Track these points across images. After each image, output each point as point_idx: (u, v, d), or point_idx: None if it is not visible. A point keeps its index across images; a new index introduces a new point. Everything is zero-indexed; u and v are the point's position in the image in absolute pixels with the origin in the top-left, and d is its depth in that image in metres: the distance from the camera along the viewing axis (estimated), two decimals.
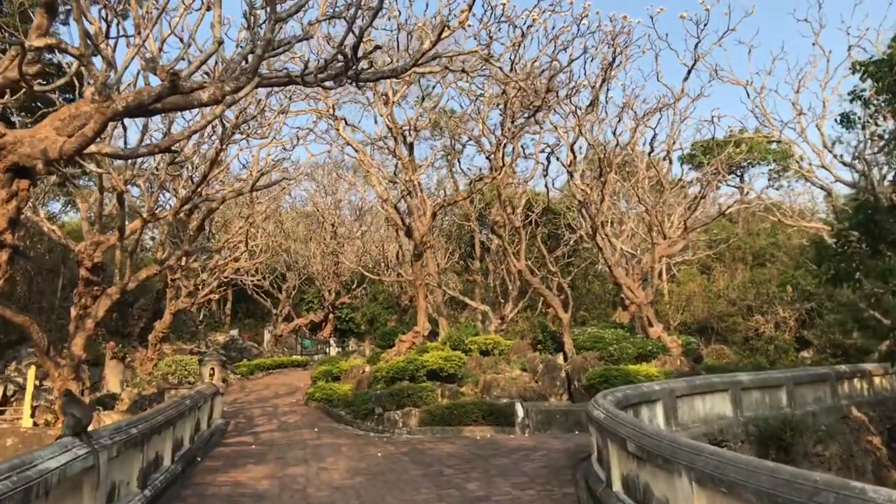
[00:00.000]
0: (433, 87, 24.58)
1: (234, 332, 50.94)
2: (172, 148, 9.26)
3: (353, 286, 53.47)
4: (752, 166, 59.17)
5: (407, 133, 24.24)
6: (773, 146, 61.06)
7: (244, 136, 18.65)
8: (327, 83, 9.56)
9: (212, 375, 20.01)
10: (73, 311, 17.24)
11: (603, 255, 27.20)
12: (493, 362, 25.54)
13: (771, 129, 28.13)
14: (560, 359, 24.69)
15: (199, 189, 16.87)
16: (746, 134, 31.96)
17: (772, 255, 55.42)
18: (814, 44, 27.59)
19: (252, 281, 49.64)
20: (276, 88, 18.66)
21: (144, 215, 15.24)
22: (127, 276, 15.65)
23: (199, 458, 14.80)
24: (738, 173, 63.48)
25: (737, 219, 59.80)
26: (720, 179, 35.32)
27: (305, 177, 45.36)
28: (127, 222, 17.04)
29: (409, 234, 24.40)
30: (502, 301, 36.72)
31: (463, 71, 11.97)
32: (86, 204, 17.26)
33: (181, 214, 18.02)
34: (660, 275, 42.37)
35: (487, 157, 23.72)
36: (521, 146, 26.72)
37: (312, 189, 51.67)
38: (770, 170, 65.74)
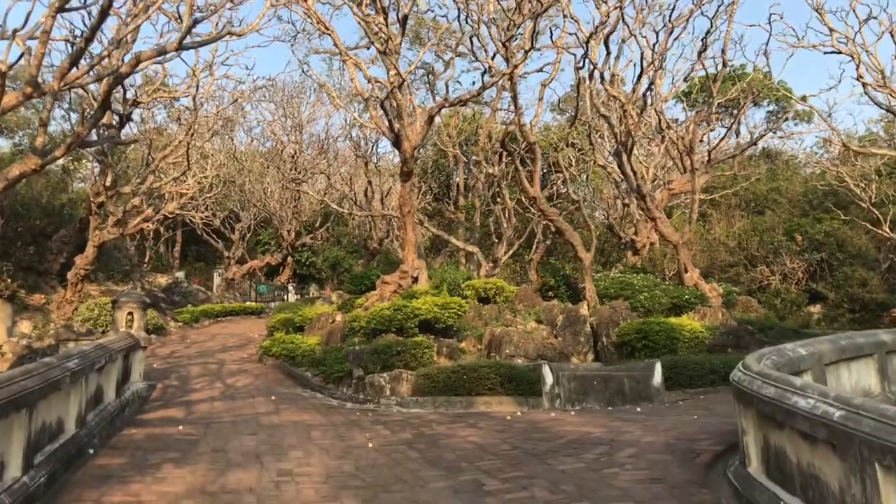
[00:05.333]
0: None
1: (180, 275, 45.12)
2: None
3: (316, 226, 47.85)
4: (757, 105, 54.33)
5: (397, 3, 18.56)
6: (775, 83, 56.54)
7: None
8: None
9: (129, 322, 14.60)
10: None
11: (629, 182, 22.06)
12: (496, 312, 20.49)
13: (831, 35, 23.04)
14: (583, 308, 19.67)
15: (93, 37, 11.10)
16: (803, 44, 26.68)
17: (774, 200, 51.15)
18: None
19: (201, 218, 43.84)
20: None
21: (2, 67, 9.52)
22: None
23: (90, 451, 9.47)
24: (734, 113, 59.02)
25: (731, 164, 55.46)
26: (754, 101, 30.17)
27: (261, 91, 39.01)
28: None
29: (397, 143, 18.91)
30: (496, 241, 31.51)
31: None
32: None
33: (80, 84, 12.34)
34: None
35: (503, 44, 18.12)
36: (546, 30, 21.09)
37: (270, 115, 45.56)
38: (768, 112, 61.17)
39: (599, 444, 9.56)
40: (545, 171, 43.67)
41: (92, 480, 8.09)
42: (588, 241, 22.30)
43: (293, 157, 42.87)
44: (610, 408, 14.42)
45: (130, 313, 14.74)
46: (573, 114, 23.88)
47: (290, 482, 8.12)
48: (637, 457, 8.72)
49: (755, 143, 30.26)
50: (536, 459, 8.96)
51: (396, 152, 22.16)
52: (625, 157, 21.25)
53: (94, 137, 19.99)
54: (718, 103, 29.43)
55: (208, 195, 41.24)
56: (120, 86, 25.03)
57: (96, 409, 10.65)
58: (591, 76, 20.87)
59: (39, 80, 11.44)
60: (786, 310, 38.32)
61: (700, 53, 21.55)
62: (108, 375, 11.58)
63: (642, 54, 20.05)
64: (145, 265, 45.01)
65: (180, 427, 11.47)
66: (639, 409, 13.19)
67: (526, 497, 7.36)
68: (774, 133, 29.68)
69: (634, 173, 21.23)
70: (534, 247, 33.15)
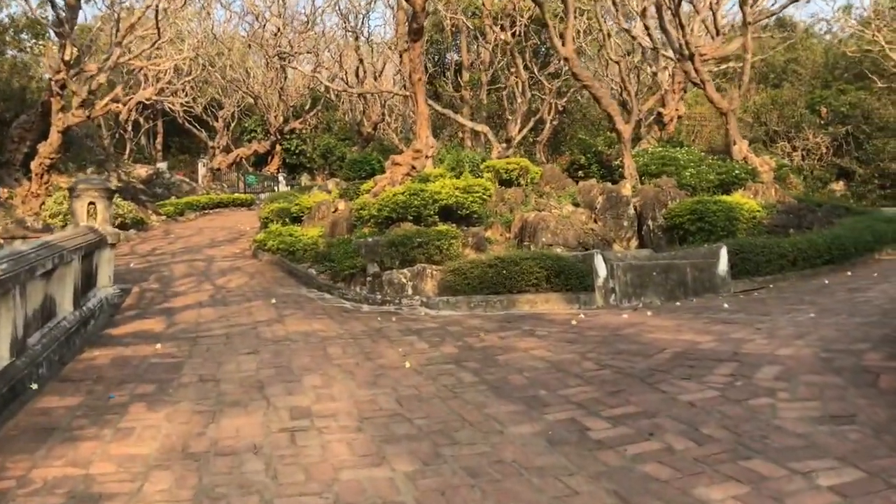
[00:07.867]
0: None
1: (162, 166, 42.06)
2: None
3: (305, 109, 44.58)
4: None
5: None
6: None
7: None
8: None
9: (91, 214, 11.96)
10: None
11: (670, 42, 18.99)
12: (521, 196, 17.87)
13: None
14: (625, 188, 17.06)
15: None
16: None
17: (793, 72, 47.79)
18: None
19: (181, 104, 40.74)
20: None
21: None
22: None
23: (33, 386, 7.00)
24: None
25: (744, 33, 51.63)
26: None
27: None
28: None
29: None
30: (508, 119, 28.50)
31: None
32: None
33: None
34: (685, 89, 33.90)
35: None
36: None
37: None
38: None
39: (719, 359, 7.12)
40: (547, 46, 40.12)
41: (24, 438, 5.63)
42: (629, 111, 19.45)
43: (276, 34, 39.21)
44: (678, 303, 12.12)
45: (92, 203, 12.05)
46: None
47: (311, 430, 5.68)
48: (788, 380, 6.27)
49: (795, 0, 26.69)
50: (642, 385, 6.54)
51: (387, 27, 18.97)
52: (667, 13, 18.17)
53: None
54: None
55: (187, 79, 38.12)
56: None
57: (45, 327, 8.13)
58: None
59: None
60: (810, 187, 35.95)
61: None
62: (60, 282, 9.02)
63: None
64: (125, 157, 41.99)
65: (158, 346, 9.00)
66: (726, 305, 10.73)
67: (661, 450, 4.93)
68: None
69: (682, 28, 18.18)
70: (546, 126, 30.24)
